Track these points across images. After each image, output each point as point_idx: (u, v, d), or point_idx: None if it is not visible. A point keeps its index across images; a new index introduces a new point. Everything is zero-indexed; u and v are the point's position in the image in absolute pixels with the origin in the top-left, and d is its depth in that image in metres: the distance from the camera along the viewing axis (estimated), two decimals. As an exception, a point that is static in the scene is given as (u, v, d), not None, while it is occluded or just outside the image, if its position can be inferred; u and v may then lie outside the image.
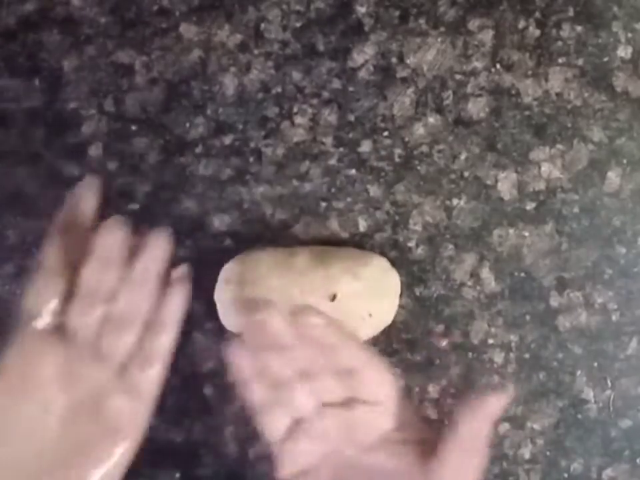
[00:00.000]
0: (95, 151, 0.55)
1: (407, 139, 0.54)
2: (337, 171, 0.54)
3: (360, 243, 0.54)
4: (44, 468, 0.37)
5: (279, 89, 0.55)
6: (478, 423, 0.40)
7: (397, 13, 0.54)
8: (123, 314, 0.39)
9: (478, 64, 0.54)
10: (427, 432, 0.42)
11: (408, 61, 0.54)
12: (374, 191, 0.54)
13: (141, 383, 0.40)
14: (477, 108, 0.54)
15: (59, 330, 0.39)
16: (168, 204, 0.55)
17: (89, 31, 0.55)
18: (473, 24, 0.54)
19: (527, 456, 0.54)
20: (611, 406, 0.54)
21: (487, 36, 0.54)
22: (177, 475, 0.55)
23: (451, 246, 0.54)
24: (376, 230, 0.54)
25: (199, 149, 0.55)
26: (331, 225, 0.54)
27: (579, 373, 0.54)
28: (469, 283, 0.54)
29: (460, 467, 0.39)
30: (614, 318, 0.54)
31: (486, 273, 0.54)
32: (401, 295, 0.53)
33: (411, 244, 0.54)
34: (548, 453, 0.54)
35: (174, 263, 0.54)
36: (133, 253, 0.41)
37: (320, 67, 0.54)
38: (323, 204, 0.54)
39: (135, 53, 0.55)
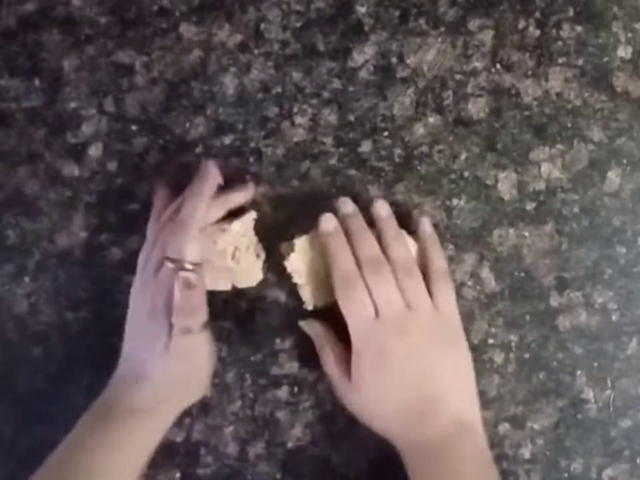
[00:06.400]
0: (95, 151, 0.55)
1: (407, 139, 0.54)
2: (337, 171, 0.54)
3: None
4: None
5: (279, 89, 0.55)
6: None
7: (397, 13, 0.54)
8: None
9: (478, 64, 0.54)
10: None
11: (408, 61, 0.54)
12: (374, 191, 0.54)
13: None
14: (476, 108, 0.54)
15: None
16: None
17: (89, 31, 0.55)
18: (473, 24, 0.54)
19: (527, 456, 0.54)
20: (610, 406, 0.54)
21: (487, 36, 0.54)
22: (177, 475, 0.55)
23: (451, 246, 0.54)
24: (376, 230, 0.54)
25: (198, 149, 0.55)
26: (331, 224, 0.54)
27: (579, 372, 0.54)
28: (469, 283, 0.54)
29: None
30: (614, 318, 0.54)
31: (486, 273, 0.54)
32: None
33: (411, 244, 0.54)
34: (548, 453, 0.54)
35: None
36: None
37: (320, 67, 0.54)
38: (323, 204, 0.54)
39: (135, 53, 0.55)
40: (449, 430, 0.46)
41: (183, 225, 0.48)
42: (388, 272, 0.48)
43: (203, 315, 0.49)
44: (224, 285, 0.52)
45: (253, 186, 0.54)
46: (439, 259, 0.50)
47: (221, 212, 0.50)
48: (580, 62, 0.54)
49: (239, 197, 0.52)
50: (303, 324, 0.52)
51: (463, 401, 0.48)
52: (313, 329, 0.52)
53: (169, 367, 0.48)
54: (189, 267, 0.47)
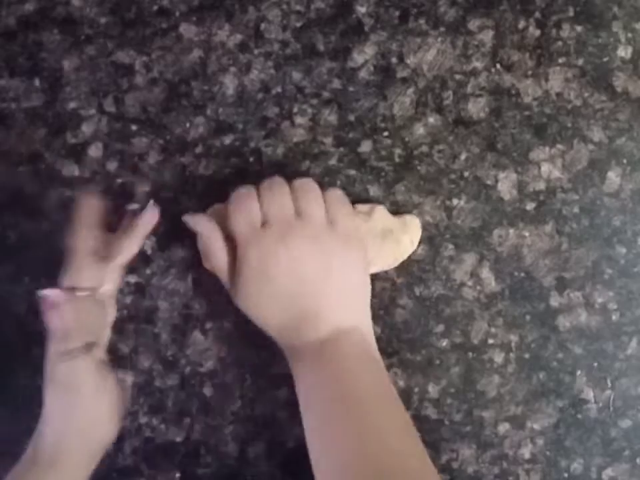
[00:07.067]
0: (95, 151, 0.55)
1: (407, 139, 0.54)
2: (337, 171, 0.54)
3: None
4: None
5: (279, 89, 0.55)
6: None
7: (397, 13, 0.54)
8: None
9: (478, 64, 0.54)
10: None
11: (408, 61, 0.54)
12: (374, 191, 0.54)
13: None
14: (476, 108, 0.54)
15: None
16: (168, 204, 0.55)
17: (89, 31, 0.55)
18: (473, 24, 0.54)
19: (527, 456, 0.54)
20: (611, 406, 0.54)
21: (487, 36, 0.54)
22: (177, 475, 0.55)
23: (451, 246, 0.54)
24: (376, 230, 0.54)
25: (198, 149, 0.55)
26: (331, 224, 0.54)
27: (578, 372, 0.54)
28: (469, 283, 0.54)
29: None
30: (614, 318, 0.54)
31: (486, 273, 0.54)
32: (401, 295, 0.53)
33: (411, 244, 0.54)
34: (548, 453, 0.54)
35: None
36: None
37: (320, 67, 0.54)
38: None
39: (135, 53, 0.55)
40: (329, 335, 0.45)
41: (72, 253, 0.47)
42: (286, 188, 0.47)
43: (83, 336, 0.45)
44: None
45: (153, 209, 0.50)
46: (333, 190, 0.49)
47: (134, 244, 0.49)
48: (580, 62, 0.54)
49: (146, 223, 0.50)
50: (188, 218, 0.49)
51: (348, 312, 0.47)
52: (200, 224, 0.49)
53: (55, 403, 0.44)
54: (82, 293, 0.45)
